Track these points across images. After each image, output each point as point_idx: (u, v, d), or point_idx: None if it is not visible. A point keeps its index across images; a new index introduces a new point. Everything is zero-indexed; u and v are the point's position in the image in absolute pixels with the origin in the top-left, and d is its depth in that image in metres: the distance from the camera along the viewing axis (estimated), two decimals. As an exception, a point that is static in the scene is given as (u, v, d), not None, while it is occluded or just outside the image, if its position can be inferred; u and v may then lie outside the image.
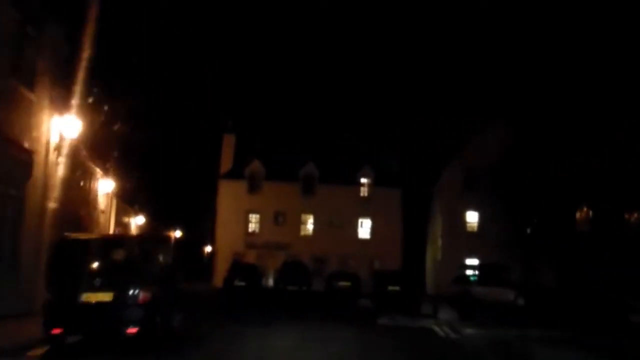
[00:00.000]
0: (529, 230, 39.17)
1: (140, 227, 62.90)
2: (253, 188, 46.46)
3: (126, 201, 51.86)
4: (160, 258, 13.68)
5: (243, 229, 46.11)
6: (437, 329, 18.53)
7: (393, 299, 32.29)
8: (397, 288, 34.71)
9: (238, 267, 35.95)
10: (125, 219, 56.74)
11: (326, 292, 36.05)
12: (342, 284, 36.57)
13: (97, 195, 38.50)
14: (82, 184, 34.04)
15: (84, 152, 27.76)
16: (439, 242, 44.72)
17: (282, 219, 46.31)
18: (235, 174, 46.73)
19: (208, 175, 49.59)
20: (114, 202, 45.97)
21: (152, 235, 17.36)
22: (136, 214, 60.37)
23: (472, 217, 42.74)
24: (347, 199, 46.27)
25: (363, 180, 47.25)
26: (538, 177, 36.56)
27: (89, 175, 36.12)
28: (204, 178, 51.82)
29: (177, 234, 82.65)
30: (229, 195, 46.38)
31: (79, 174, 31.61)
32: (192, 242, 63.84)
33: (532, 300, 23.44)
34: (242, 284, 33.87)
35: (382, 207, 45.94)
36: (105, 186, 39.20)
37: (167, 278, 13.59)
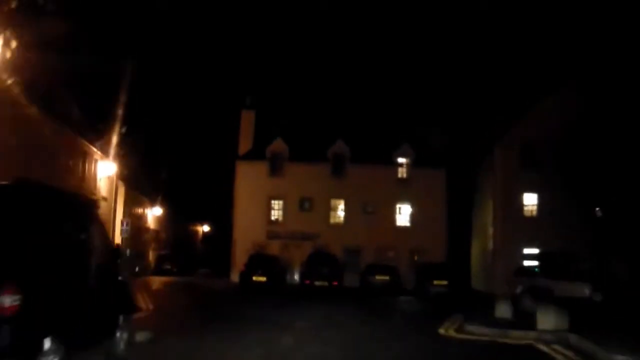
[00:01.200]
0: (599, 214, 34.97)
1: (156, 219, 59.81)
2: (275, 170, 42.62)
3: (138, 189, 48.58)
4: (61, 233, 7.97)
5: (264, 217, 42.32)
6: (550, 351, 12.46)
7: (441, 297, 29.42)
8: (444, 283, 31.60)
9: (257, 260, 32.42)
10: (139, 210, 53.60)
11: (361, 288, 33.30)
12: (380, 278, 33.20)
13: (95, 179, 35.21)
14: (71, 163, 30.71)
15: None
16: (490, 230, 40.49)
17: (308, 205, 42.44)
18: (255, 154, 42.93)
19: (225, 157, 45.98)
20: (121, 189, 42.67)
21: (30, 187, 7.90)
22: (152, 204, 57.20)
23: (530, 200, 38.29)
24: (383, 182, 42.12)
25: (401, 159, 43.01)
26: (610, 153, 32.80)
27: (81, 155, 32.76)
28: (222, 161, 48.27)
29: (205, 228, 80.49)
30: (248, 179, 42.58)
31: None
32: (219, 236, 60.71)
33: (611, 297, 19.71)
34: (262, 279, 30.37)
35: (423, 190, 41.72)
36: (106, 169, 36.01)
37: (80, 271, 8.27)
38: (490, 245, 40.17)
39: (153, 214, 58.80)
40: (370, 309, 22.99)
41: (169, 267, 51.42)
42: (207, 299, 26.01)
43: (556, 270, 22.45)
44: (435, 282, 31.89)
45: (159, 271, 50.06)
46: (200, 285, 35.09)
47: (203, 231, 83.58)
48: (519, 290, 22.98)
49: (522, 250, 36.42)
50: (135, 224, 45.31)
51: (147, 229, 56.65)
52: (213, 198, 59.40)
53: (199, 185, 62.08)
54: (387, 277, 33.50)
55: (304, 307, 21.83)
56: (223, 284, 36.39)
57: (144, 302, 19.67)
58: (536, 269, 24.97)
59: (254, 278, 30.28)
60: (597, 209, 35.06)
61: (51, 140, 26.57)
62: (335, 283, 31.22)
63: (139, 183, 47.92)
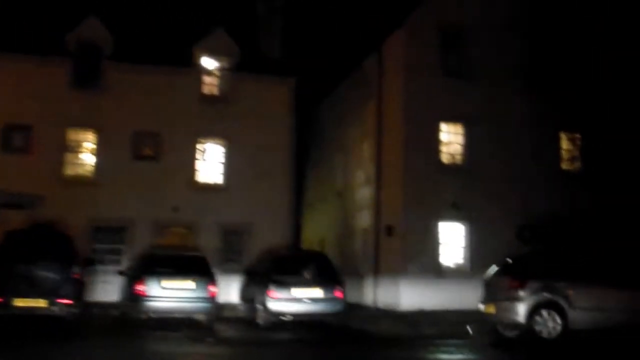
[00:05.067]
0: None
1: None
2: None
3: None
4: None
5: None
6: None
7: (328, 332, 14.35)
8: (316, 293, 17.65)
9: None
10: None
11: (120, 319, 18.41)
12: (172, 285, 17.64)
13: None
14: None
15: None
16: (366, 191, 26.69)
17: (22, 142, 24.60)
18: None
19: None
20: None
21: None
22: None
23: (452, 135, 24.17)
24: (173, 100, 26.08)
25: (209, 59, 26.95)
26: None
27: None
28: None
29: None
30: None
31: None
32: None
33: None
34: None
35: (251, 118, 26.35)
36: None
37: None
38: (365, 219, 26.67)
39: None
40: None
41: None
42: None
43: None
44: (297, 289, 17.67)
45: None
46: None
47: None
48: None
49: (436, 227, 23.23)
50: None
51: None
52: None
53: None
54: (189, 283, 17.51)
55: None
56: None
57: None
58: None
59: None
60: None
61: None
62: (67, 302, 14.89)
63: None
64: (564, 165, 24.17)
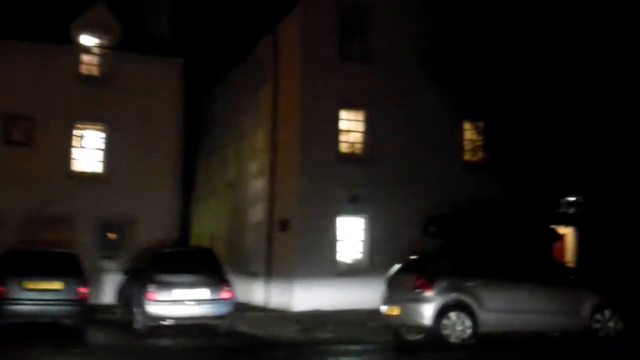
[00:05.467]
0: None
1: None
2: None
3: None
4: None
5: None
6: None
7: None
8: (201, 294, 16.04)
9: None
10: None
11: None
12: (36, 288, 15.71)
13: None
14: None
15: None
16: (258, 183, 25.25)
17: None
18: None
19: None
20: None
21: None
22: None
23: (353, 123, 22.88)
24: (48, 80, 23.66)
25: (87, 37, 24.69)
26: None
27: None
28: None
29: None
30: None
31: None
32: None
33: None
34: None
35: (134, 101, 24.25)
36: None
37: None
38: (259, 213, 25.11)
39: None
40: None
41: None
42: None
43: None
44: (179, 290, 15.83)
45: None
46: None
47: None
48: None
49: (334, 222, 21.88)
50: None
51: None
52: None
53: None
54: (55, 284, 15.59)
55: None
56: None
57: None
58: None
59: None
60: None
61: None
62: None
63: None
64: (468, 156, 23.22)
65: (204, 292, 15.71)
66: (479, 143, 22.78)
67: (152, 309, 15.36)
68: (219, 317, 15.93)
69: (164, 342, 14.96)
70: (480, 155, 23.11)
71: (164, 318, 15.55)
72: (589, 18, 20.15)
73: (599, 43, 20.09)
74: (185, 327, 16.07)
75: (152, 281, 15.59)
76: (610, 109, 20.11)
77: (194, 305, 15.60)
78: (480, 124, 22.23)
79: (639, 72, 19.94)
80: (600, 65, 20.02)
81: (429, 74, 21.69)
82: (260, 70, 25.57)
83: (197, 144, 32.09)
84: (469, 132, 23.35)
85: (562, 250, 23.03)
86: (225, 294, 15.91)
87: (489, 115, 21.68)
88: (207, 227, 31.32)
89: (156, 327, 15.66)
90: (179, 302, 15.48)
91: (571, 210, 22.83)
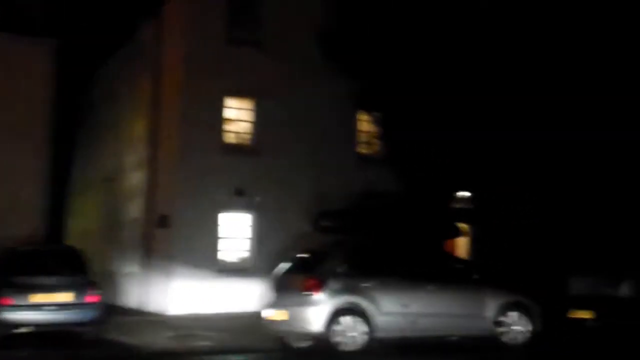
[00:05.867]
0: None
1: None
2: None
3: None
4: None
5: None
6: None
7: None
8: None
9: None
10: None
11: None
12: None
13: None
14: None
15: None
16: (138, 175, 23.66)
17: None
18: None
19: None
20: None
21: None
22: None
23: (240, 110, 21.74)
24: None
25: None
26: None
27: None
28: None
29: None
30: None
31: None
32: None
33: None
34: None
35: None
36: None
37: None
38: (137, 209, 23.47)
39: None
40: None
41: None
42: None
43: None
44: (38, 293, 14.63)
45: None
46: None
47: None
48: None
49: (216, 218, 20.79)
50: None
51: None
52: None
53: None
54: None
55: None
56: None
57: None
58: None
59: None
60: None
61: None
62: None
63: None
64: (364, 148, 22.42)
65: (67, 296, 14.22)
66: (375, 134, 22.00)
67: (7, 314, 13.79)
68: (84, 324, 14.34)
69: (18, 353, 13.31)
70: (376, 147, 22.35)
71: (19, 325, 13.97)
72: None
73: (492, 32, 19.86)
74: (46, 335, 14.43)
75: (7, 284, 14.03)
76: (505, 103, 19.76)
77: (54, 310, 14.08)
78: (376, 114, 21.51)
79: (536, 71, 19.79)
80: (495, 59, 19.70)
81: (324, 61, 20.76)
82: (143, 55, 23.89)
83: (74, 135, 30.06)
84: (365, 124, 22.50)
85: (455, 247, 22.58)
86: (91, 298, 14.37)
87: (386, 106, 21.02)
88: (83, 224, 29.30)
89: (10, 335, 13.97)
90: (37, 307, 13.95)
91: (466, 206, 22.41)
